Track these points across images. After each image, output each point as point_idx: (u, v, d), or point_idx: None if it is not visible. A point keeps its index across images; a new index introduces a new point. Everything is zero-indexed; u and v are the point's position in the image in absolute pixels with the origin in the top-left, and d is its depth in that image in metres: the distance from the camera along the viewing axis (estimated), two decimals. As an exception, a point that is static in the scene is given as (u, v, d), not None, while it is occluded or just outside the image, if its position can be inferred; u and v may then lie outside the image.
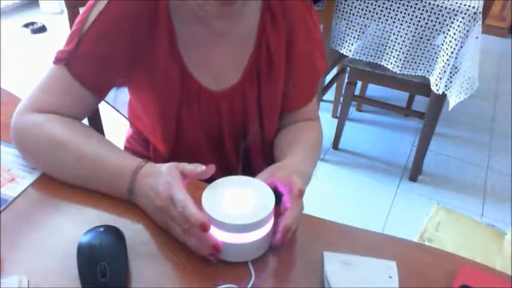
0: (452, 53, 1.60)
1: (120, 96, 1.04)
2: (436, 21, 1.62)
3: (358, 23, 1.75)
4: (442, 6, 1.58)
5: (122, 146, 0.99)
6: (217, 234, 0.58)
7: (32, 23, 3.14)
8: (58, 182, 0.69)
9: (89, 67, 0.70)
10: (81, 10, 0.72)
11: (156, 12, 0.69)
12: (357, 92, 2.33)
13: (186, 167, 0.62)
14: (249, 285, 0.57)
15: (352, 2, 1.71)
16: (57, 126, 0.68)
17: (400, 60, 1.72)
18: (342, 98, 2.13)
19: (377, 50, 1.78)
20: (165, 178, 0.60)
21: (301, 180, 0.63)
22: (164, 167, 0.62)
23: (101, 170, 0.66)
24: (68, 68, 0.69)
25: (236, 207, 0.59)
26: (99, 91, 0.73)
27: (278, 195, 0.64)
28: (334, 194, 1.95)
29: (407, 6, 1.63)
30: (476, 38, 1.55)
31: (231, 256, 0.60)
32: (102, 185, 0.67)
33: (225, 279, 0.57)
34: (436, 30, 1.63)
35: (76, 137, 0.68)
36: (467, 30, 1.56)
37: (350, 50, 1.81)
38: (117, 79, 0.77)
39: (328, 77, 2.27)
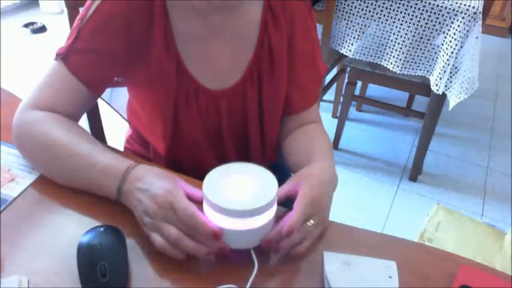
0: (452, 53, 1.60)
1: (118, 98, 1.05)
2: (436, 21, 1.61)
3: (358, 23, 1.75)
4: (442, 6, 1.58)
5: (122, 146, 0.99)
6: (219, 221, 0.57)
7: (32, 23, 3.14)
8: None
9: (85, 62, 0.70)
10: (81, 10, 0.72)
11: (152, 7, 0.69)
12: (357, 92, 2.33)
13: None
14: (253, 274, 0.57)
15: (352, 2, 1.71)
16: (53, 126, 0.67)
17: (400, 60, 1.72)
18: (342, 98, 2.13)
19: (377, 50, 1.78)
20: (162, 184, 0.59)
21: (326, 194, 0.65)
22: (160, 175, 0.62)
23: (91, 167, 0.64)
24: (64, 63, 0.70)
25: (238, 192, 0.58)
26: (94, 86, 0.73)
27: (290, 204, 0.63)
28: (334, 193, 1.94)
29: (407, 6, 1.63)
30: (476, 38, 1.55)
31: (234, 243, 0.59)
32: (92, 183, 0.65)
33: (225, 279, 0.57)
34: (436, 30, 1.63)
35: (69, 136, 0.67)
36: (467, 30, 1.56)
37: (350, 50, 1.81)
38: (114, 75, 0.77)
39: (328, 77, 2.27)
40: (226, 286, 0.56)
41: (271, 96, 0.80)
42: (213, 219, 0.57)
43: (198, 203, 0.60)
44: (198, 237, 0.56)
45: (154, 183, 0.60)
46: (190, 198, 0.60)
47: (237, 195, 0.58)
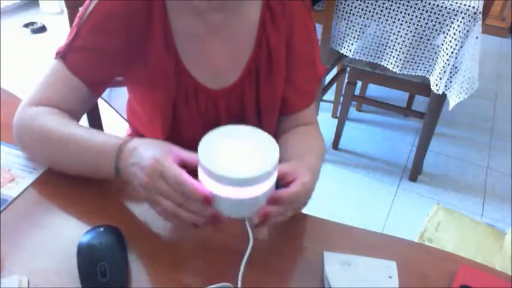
0: (452, 53, 1.60)
1: (118, 98, 1.05)
2: (436, 21, 1.61)
3: (358, 23, 1.75)
4: (442, 6, 1.58)
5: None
6: (213, 187, 0.54)
7: (32, 23, 3.14)
8: (58, 182, 0.69)
9: (84, 60, 0.71)
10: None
11: (151, 6, 0.70)
12: (357, 92, 2.33)
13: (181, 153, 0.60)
14: (249, 247, 0.55)
15: (352, 2, 1.71)
16: (48, 118, 0.68)
17: (400, 60, 1.72)
18: (342, 98, 2.13)
19: (377, 50, 1.78)
20: (151, 153, 0.58)
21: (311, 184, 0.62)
22: (152, 145, 0.61)
23: (87, 151, 0.64)
24: (64, 61, 0.70)
25: (235, 159, 0.54)
26: (94, 85, 0.73)
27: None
28: (334, 194, 1.95)
29: (407, 6, 1.63)
30: (476, 38, 1.55)
31: (228, 212, 0.56)
32: (92, 167, 0.65)
33: (222, 278, 0.57)
34: (436, 30, 1.63)
35: (63, 125, 0.67)
36: (467, 30, 1.56)
37: (350, 50, 1.81)
38: (113, 74, 0.77)
39: (328, 77, 2.28)
40: (220, 284, 0.56)
41: (268, 96, 0.80)
42: (207, 185, 0.54)
43: (195, 168, 0.57)
44: (190, 205, 0.55)
45: (144, 154, 0.58)
46: (186, 164, 0.59)
47: (234, 162, 0.53)
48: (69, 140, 0.66)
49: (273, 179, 0.55)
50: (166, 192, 0.56)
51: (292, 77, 0.81)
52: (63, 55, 0.70)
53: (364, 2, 1.69)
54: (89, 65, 0.71)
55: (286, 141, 0.83)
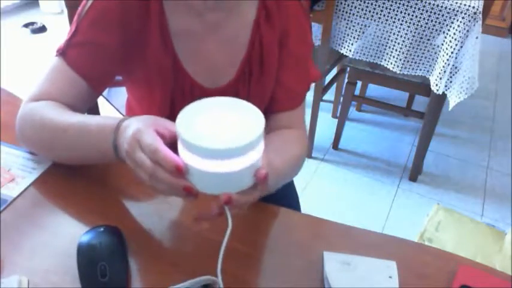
0: (452, 53, 1.60)
1: (118, 98, 1.05)
2: (436, 21, 1.62)
3: (358, 23, 1.75)
4: (442, 6, 1.58)
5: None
6: (188, 159, 0.51)
7: (32, 23, 3.14)
8: (58, 182, 0.69)
9: (83, 54, 0.71)
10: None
11: (147, 4, 0.70)
12: (357, 92, 2.33)
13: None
14: (226, 234, 0.53)
15: (352, 2, 1.71)
16: (47, 109, 0.68)
17: (400, 60, 1.72)
18: (342, 98, 2.13)
19: (377, 50, 1.78)
20: (135, 126, 0.57)
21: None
22: (143, 119, 0.59)
23: (87, 132, 0.64)
24: (64, 58, 0.70)
25: (215, 129, 0.50)
26: (93, 81, 0.73)
27: None
28: (334, 194, 1.95)
29: (407, 6, 1.63)
30: (476, 38, 1.55)
31: (202, 186, 0.52)
32: (92, 148, 0.65)
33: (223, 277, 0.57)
34: (436, 30, 1.63)
35: (61, 114, 0.67)
36: (467, 30, 1.56)
37: (350, 50, 1.81)
38: (112, 72, 0.77)
39: (328, 77, 2.27)
40: (202, 278, 0.56)
41: (259, 95, 0.80)
42: (183, 156, 0.51)
43: None
44: (159, 174, 0.53)
45: (132, 128, 0.58)
46: (175, 138, 0.56)
47: (211, 132, 0.50)
48: (68, 126, 0.66)
49: (253, 156, 0.51)
50: (141, 161, 0.54)
51: (283, 76, 0.81)
52: (63, 52, 0.71)
53: (364, 2, 1.69)
54: (88, 60, 0.71)
55: (266, 141, 0.82)
